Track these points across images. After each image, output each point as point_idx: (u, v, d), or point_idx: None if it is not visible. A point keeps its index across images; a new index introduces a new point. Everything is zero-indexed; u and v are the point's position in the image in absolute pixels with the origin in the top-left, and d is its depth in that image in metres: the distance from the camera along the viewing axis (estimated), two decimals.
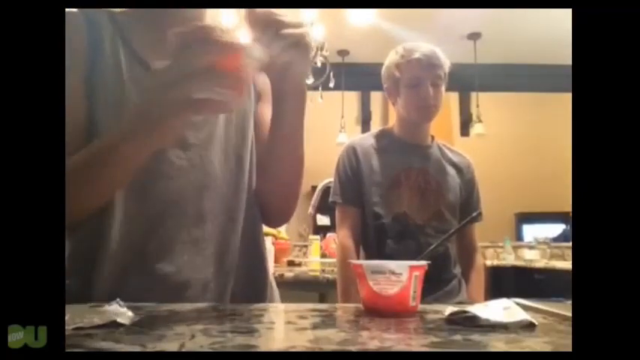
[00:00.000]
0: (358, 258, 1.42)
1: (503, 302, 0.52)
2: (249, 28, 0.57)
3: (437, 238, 1.33)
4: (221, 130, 0.75)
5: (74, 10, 0.70)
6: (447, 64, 1.44)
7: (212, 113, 0.51)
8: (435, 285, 1.38)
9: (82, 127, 0.66)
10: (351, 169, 1.47)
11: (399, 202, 1.42)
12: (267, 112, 0.76)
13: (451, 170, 1.50)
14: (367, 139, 1.53)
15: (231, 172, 0.76)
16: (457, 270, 1.48)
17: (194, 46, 0.48)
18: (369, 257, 1.43)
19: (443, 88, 1.44)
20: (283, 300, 0.85)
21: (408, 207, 1.41)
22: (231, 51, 0.49)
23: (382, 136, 1.53)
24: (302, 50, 0.60)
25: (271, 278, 0.85)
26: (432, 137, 1.54)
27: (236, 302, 0.73)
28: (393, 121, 1.58)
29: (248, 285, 0.77)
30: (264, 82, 0.82)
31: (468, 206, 1.50)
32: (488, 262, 3.80)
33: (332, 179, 1.57)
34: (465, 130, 5.70)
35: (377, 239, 1.42)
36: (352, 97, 5.80)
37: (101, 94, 0.67)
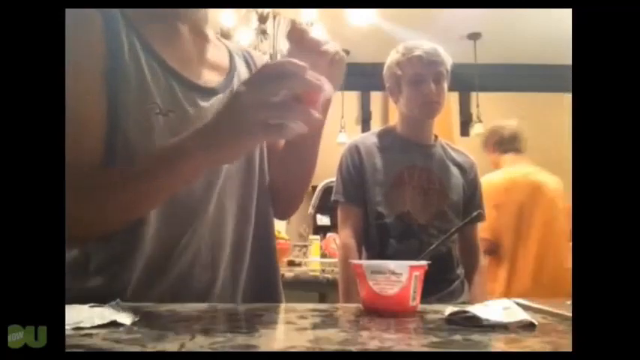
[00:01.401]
0: (360, 257, 1.41)
1: (504, 302, 0.52)
2: (295, 48, 0.62)
3: (440, 238, 1.33)
4: None
5: None
6: (448, 61, 1.43)
7: (280, 139, 0.54)
8: (437, 286, 1.37)
9: (102, 123, 0.65)
10: (354, 168, 1.46)
11: (402, 201, 1.41)
12: None
13: (454, 169, 1.49)
14: (370, 138, 1.52)
15: (243, 170, 0.77)
16: (460, 271, 1.47)
17: (283, 79, 0.52)
18: (371, 257, 1.42)
19: (445, 85, 1.43)
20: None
21: (411, 206, 1.40)
22: (314, 90, 0.53)
23: (385, 134, 1.53)
24: (340, 65, 0.65)
25: None
26: (436, 136, 1.53)
27: (248, 301, 0.74)
28: (393, 121, 1.57)
29: (260, 282, 0.78)
30: None
31: (470, 206, 1.49)
32: None
33: (332, 179, 1.56)
34: (465, 130, 5.69)
35: (379, 239, 1.41)
36: (352, 97, 5.79)
37: (122, 89, 0.66)
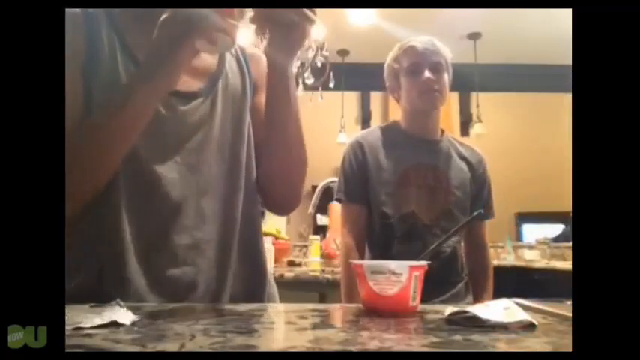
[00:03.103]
0: (362, 257, 1.38)
1: (504, 302, 0.52)
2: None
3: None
4: (217, 130, 0.75)
5: None
6: (446, 52, 1.41)
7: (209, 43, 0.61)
8: (441, 288, 1.32)
9: (78, 124, 0.66)
10: (357, 166, 1.42)
11: (407, 200, 1.37)
12: (264, 101, 0.77)
13: (462, 165, 1.45)
14: (374, 133, 1.48)
15: (228, 171, 0.76)
16: (465, 273, 1.44)
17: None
18: (374, 257, 1.39)
19: (445, 77, 1.40)
20: (283, 300, 0.85)
21: (416, 206, 1.36)
22: None
23: (390, 129, 1.48)
24: (302, 31, 0.66)
25: (270, 277, 0.85)
26: (442, 131, 1.48)
27: (233, 301, 0.73)
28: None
29: (245, 284, 0.78)
30: (260, 71, 0.81)
31: (478, 202, 1.44)
32: None
33: (332, 179, 1.55)
34: (465, 130, 5.70)
35: (384, 239, 1.38)
36: (352, 97, 5.79)
37: (98, 91, 0.67)
